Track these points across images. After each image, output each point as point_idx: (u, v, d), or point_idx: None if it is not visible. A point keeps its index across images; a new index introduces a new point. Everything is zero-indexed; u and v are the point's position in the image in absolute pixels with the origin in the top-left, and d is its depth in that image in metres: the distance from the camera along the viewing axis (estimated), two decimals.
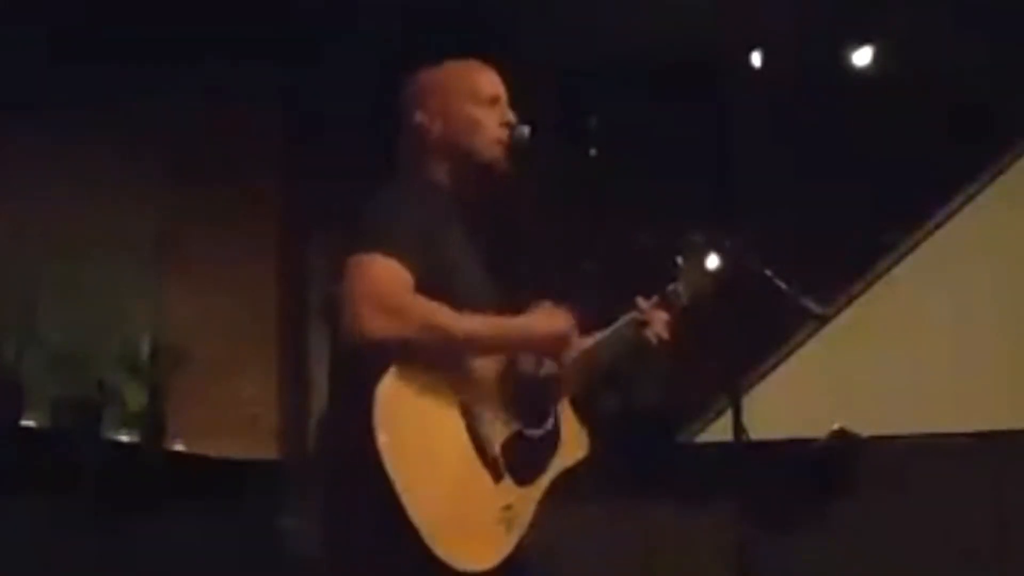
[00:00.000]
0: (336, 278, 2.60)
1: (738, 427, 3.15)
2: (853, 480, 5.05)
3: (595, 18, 6.11)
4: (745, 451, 3.13)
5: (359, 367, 2.54)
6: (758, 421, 3.19)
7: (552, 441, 2.82)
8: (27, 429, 5.04)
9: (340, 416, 2.63)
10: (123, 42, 6.02)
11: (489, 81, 2.88)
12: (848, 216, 6.21)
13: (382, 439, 2.45)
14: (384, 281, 2.54)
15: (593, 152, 2.92)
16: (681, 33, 6.08)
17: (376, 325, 2.50)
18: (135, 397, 5.86)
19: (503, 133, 2.83)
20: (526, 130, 2.87)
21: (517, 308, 2.78)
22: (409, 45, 6.03)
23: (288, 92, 6.59)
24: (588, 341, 2.90)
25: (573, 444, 2.86)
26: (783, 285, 3.11)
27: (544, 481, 2.76)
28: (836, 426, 5.15)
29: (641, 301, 2.99)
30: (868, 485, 5.06)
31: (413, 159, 2.84)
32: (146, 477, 5.04)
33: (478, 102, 2.84)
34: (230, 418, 6.27)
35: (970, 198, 6.46)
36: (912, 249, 6.49)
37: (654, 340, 2.95)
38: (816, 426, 5.25)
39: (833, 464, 5.06)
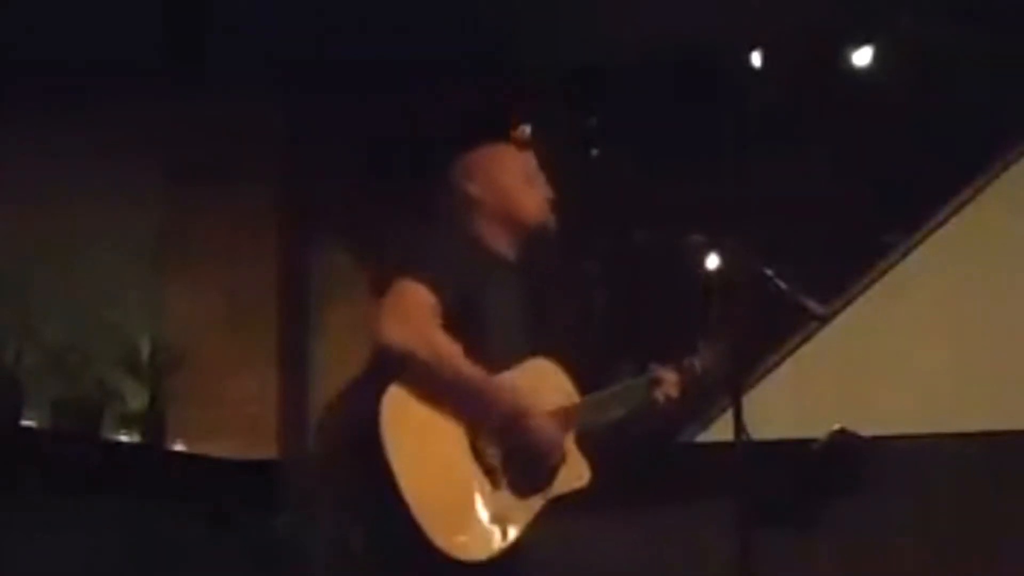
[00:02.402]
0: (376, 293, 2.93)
1: (738, 427, 3.15)
2: (853, 480, 5.05)
3: (595, 18, 6.11)
4: (745, 451, 3.14)
5: (382, 366, 2.84)
6: (758, 421, 3.19)
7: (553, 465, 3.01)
8: (27, 429, 5.04)
9: (356, 401, 2.87)
10: (123, 41, 6.02)
11: (528, 157, 3.27)
12: (848, 216, 6.21)
13: (385, 427, 2.72)
14: (412, 302, 2.88)
15: (594, 152, 2.98)
16: (681, 33, 6.08)
17: (391, 332, 2.83)
18: (135, 397, 5.86)
19: (546, 198, 3.19)
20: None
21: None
22: (409, 45, 6.04)
23: (288, 92, 6.58)
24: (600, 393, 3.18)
25: (573, 473, 3.06)
26: (783, 285, 3.14)
27: (542, 498, 2.96)
28: (836, 426, 5.15)
29: (655, 366, 3.28)
30: (868, 485, 5.06)
31: (462, 220, 3.16)
32: (146, 477, 5.04)
33: (526, 177, 3.20)
34: (230, 418, 6.27)
35: (970, 198, 6.45)
36: (912, 249, 6.49)
37: (661, 399, 3.24)
38: (816, 426, 5.26)
39: (833, 464, 5.06)
